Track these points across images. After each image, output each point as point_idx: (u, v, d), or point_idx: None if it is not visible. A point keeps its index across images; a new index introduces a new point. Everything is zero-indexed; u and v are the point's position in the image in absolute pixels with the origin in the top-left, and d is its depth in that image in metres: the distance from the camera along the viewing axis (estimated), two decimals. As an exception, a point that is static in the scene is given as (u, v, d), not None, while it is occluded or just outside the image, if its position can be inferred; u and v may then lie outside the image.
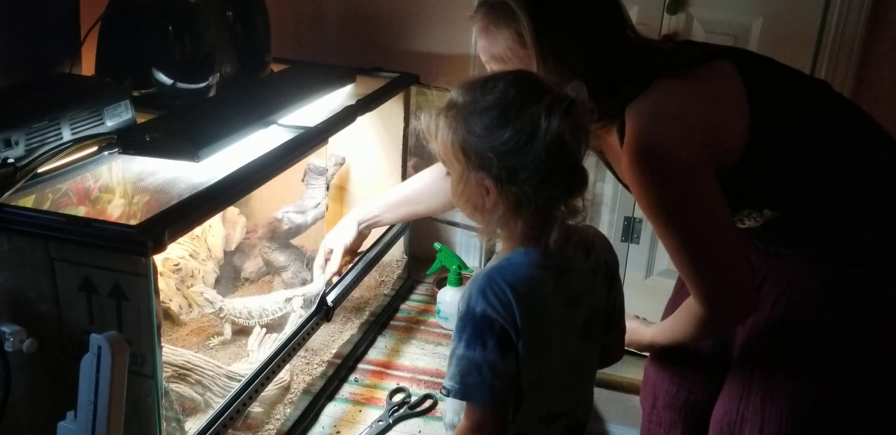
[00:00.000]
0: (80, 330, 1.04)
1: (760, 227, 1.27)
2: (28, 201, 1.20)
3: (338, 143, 1.89)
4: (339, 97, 1.67)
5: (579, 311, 1.12)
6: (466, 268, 1.89)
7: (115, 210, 1.29)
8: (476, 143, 1.01)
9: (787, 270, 1.27)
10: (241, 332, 1.59)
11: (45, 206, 1.18)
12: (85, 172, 1.20)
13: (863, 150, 1.26)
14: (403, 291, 2.02)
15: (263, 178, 1.18)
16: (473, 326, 1.04)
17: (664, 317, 1.60)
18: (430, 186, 1.69)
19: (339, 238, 1.72)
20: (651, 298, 2.09)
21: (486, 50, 1.23)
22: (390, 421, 1.53)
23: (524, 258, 1.07)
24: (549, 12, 1.17)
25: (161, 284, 1.62)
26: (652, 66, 1.20)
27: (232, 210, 1.87)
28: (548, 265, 1.07)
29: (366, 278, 1.88)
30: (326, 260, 1.69)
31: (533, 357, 1.07)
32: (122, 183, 1.29)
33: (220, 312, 1.56)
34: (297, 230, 1.71)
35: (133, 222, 1.00)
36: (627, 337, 1.46)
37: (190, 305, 1.67)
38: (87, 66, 1.52)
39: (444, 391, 1.07)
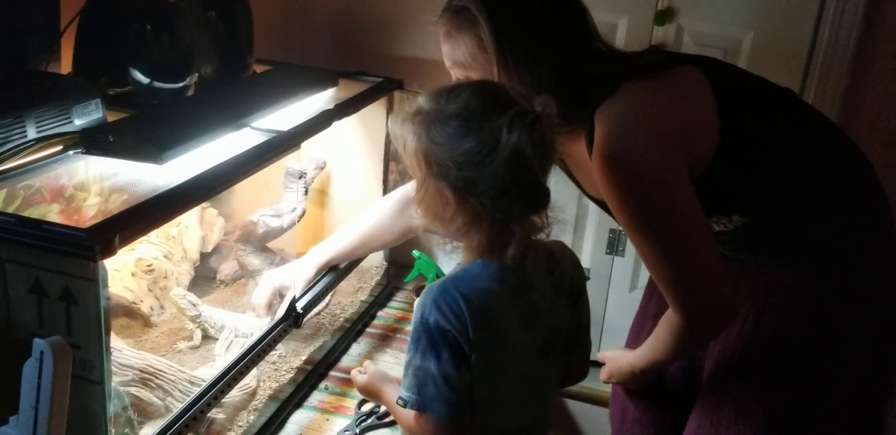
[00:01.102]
0: (30, 333, 1.01)
1: (730, 233, 1.25)
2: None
3: (319, 146, 1.87)
4: (321, 101, 1.65)
5: (538, 328, 1.10)
6: (444, 275, 1.86)
7: (71, 212, 1.26)
8: (437, 152, 1.00)
9: (758, 280, 1.25)
10: (210, 337, 1.57)
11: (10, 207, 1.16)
12: (47, 172, 1.18)
13: (830, 156, 1.26)
14: (382, 298, 2.00)
15: (226, 183, 1.16)
16: (428, 336, 1.02)
17: (630, 334, 1.59)
18: (385, 222, 1.66)
19: (295, 280, 1.59)
20: (635, 312, 2.07)
21: (449, 55, 1.22)
22: (357, 431, 1.51)
23: (481, 270, 1.05)
24: (508, 16, 1.16)
25: (133, 284, 1.61)
26: (618, 69, 1.19)
27: (210, 211, 1.85)
28: (505, 279, 1.05)
29: (343, 284, 1.86)
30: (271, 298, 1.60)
31: (486, 372, 1.05)
32: (80, 184, 1.27)
33: (198, 318, 1.54)
34: (273, 234, 1.69)
35: (86, 225, 0.98)
36: (608, 368, 1.44)
37: (162, 307, 1.65)
38: (67, 64, 1.50)
39: (400, 402, 1.05)
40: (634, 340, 1.57)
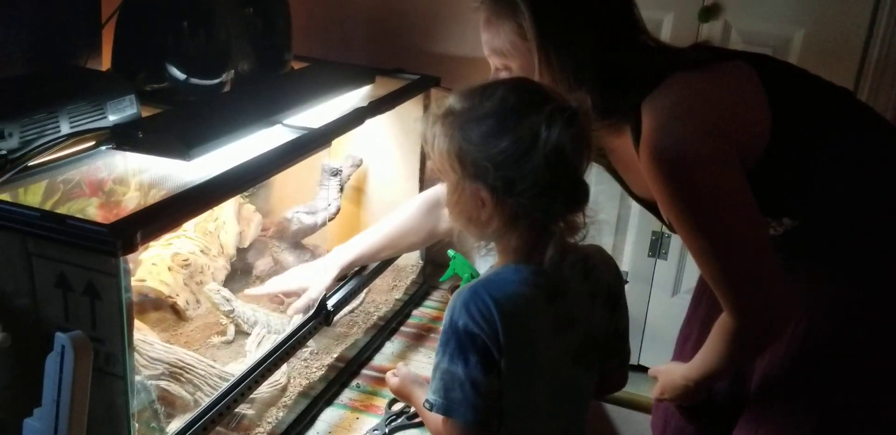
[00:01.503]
0: (56, 326, 1.02)
1: (779, 238, 1.20)
2: (25, 193, 1.20)
3: (356, 144, 1.87)
4: (356, 98, 1.64)
5: (572, 335, 1.07)
6: (479, 276, 1.85)
7: (98, 207, 1.28)
8: (472, 152, 0.97)
9: (808, 288, 1.20)
10: (243, 332, 1.58)
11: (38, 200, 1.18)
12: (77, 167, 1.19)
13: (886, 158, 1.20)
14: (417, 296, 1.99)
15: (251, 181, 1.16)
16: (456, 340, 1.00)
17: (677, 343, 1.55)
18: (411, 225, 1.65)
19: (318, 281, 1.58)
20: (678, 317, 2.02)
21: (488, 43, 1.20)
22: (386, 431, 1.50)
23: (514, 274, 1.03)
24: (551, 3, 1.13)
25: (169, 278, 1.62)
26: (663, 61, 1.16)
27: (248, 207, 1.86)
28: (538, 284, 1.02)
29: (378, 281, 1.86)
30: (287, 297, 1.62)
31: (516, 378, 1.02)
32: (110, 179, 1.28)
33: (232, 313, 1.55)
34: (307, 231, 1.69)
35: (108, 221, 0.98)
36: (660, 383, 1.40)
37: (198, 301, 1.67)
38: (108, 60, 1.52)
39: (426, 405, 1.04)
40: (681, 349, 1.53)
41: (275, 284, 1.63)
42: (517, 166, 0.95)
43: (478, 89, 1.00)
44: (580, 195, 0.99)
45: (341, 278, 1.66)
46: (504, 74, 1.20)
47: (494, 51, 1.20)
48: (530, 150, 0.94)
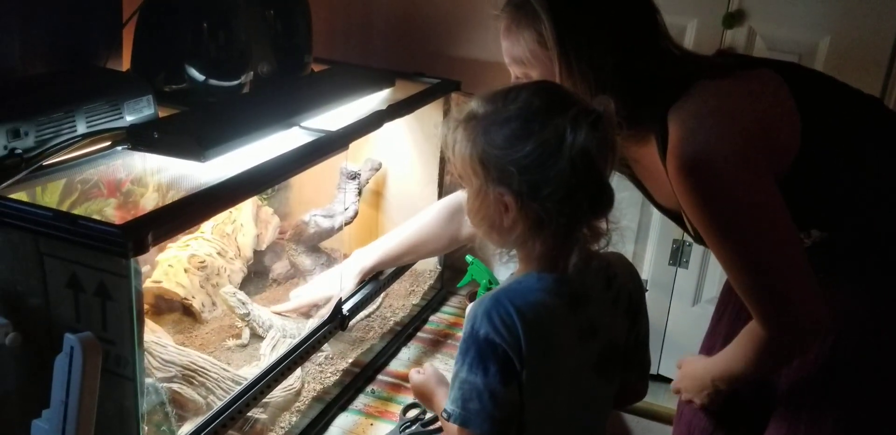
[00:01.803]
0: (67, 327, 1.02)
1: (808, 250, 1.17)
2: (43, 193, 1.20)
3: (376, 148, 1.86)
4: (376, 101, 1.63)
5: (593, 344, 1.05)
6: (497, 283, 1.83)
7: (113, 208, 1.27)
8: (496, 156, 0.95)
9: (837, 301, 1.17)
10: (258, 335, 1.57)
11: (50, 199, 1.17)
12: (92, 167, 1.19)
13: None
14: (435, 302, 1.97)
15: (265, 184, 1.15)
16: (477, 349, 0.98)
17: (701, 352, 1.52)
18: (432, 230, 1.63)
19: (338, 289, 1.58)
20: (698, 326, 1.98)
21: (508, 51, 1.18)
22: (400, 437, 1.49)
23: (536, 283, 1.00)
24: (571, 12, 1.11)
25: (185, 280, 1.62)
26: (689, 69, 1.14)
27: (266, 209, 1.86)
28: (561, 292, 1.00)
29: (395, 286, 1.84)
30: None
31: (538, 389, 1.00)
32: (126, 180, 1.28)
33: (247, 316, 1.54)
34: (324, 234, 1.68)
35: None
36: (681, 372, 1.37)
37: (213, 304, 1.66)
38: (129, 60, 1.52)
39: (444, 415, 1.02)
40: None
41: (301, 298, 1.62)
42: (542, 170, 0.93)
43: (501, 93, 0.98)
44: (605, 199, 0.97)
45: (362, 283, 1.65)
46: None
47: (514, 59, 1.18)
48: (555, 154, 0.92)
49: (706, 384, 1.30)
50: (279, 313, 1.59)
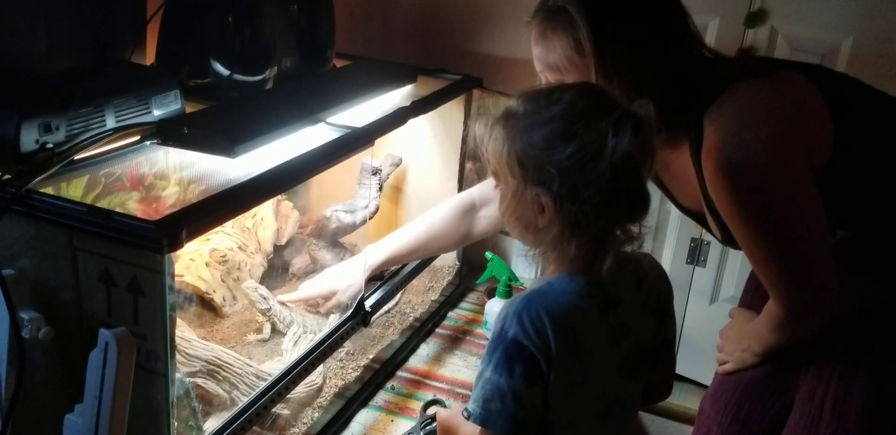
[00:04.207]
0: (99, 322, 1.02)
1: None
2: (68, 187, 1.20)
3: (396, 143, 1.86)
4: (398, 97, 1.63)
5: (623, 345, 1.05)
6: (517, 280, 1.83)
7: (140, 202, 1.27)
8: (536, 156, 0.94)
9: (858, 303, 1.18)
10: (279, 331, 1.57)
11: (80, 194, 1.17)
12: (123, 161, 1.19)
13: None
14: (453, 298, 1.97)
15: (296, 180, 1.14)
16: (504, 349, 0.98)
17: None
18: (444, 227, 1.62)
19: (348, 283, 1.58)
20: (715, 325, 1.98)
21: (542, 58, 1.17)
22: (421, 434, 1.49)
23: (568, 285, 1.00)
24: (609, 18, 1.11)
25: (206, 274, 1.62)
26: (722, 71, 1.14)
27: (286, 204, 1.86)
28: (593, 295, 1.00)
29: (414, 282, 1.84)
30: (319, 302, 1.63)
31: (567, 391, 1.00)
32: (155, 174, 1.28)
33: (269, 311, 1.54)
34: (345, 229, 1.68)
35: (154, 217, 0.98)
36: (730, 324, 1.38)
37: (234, 298, 1.66)
38: (152, 54, 1.52)
39: (465, 413, 1.02)
40: None
41: (306, 289, 1.62)
42: (583, 173, 0.92)
43: (543, 92, 0.98)
44: (643, 203, 0.97)
45: (373, 279, 1.64)
46: None
47: (549, 66, 1.17)
48: (597, 157, 0.92)
49: (743, 341, 1.31)
50: (284, 303, 1.59)
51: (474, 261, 2.02)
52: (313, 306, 1.63)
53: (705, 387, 2.12)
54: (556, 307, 0.97)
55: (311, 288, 1.62)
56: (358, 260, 1.62)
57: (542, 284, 1.01)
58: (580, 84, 1.03)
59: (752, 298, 1.42)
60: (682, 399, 2.08)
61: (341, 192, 1.81)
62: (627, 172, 0.92)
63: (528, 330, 0.96)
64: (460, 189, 1.85)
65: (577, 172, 0.92)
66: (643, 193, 0.96)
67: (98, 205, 1.04)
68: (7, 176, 1.05)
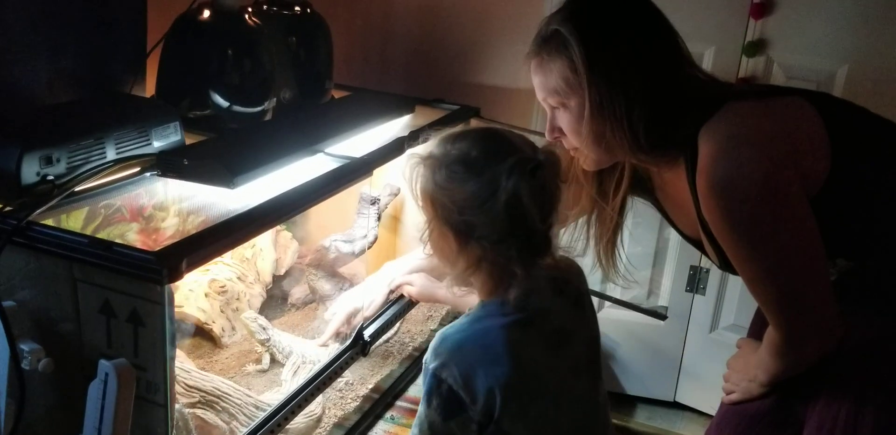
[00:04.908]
0: (99, 353, 1.02)
1: (834, 282, 1.17)
2: (68, 218, 1.20)
3: (395, 173, 1.87)
4: (396, 127, 1.65)
5: (570, 349, 1.09)
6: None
7: (139, 234, 1.28)
8: (441, 195, 1.02)
9: (864, 335, 1.17)
10: (278, 361, 1.57)
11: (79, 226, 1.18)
12: (123, 193, 1.20)
13: None
14: (452, 327, 1.97)
15: (295, 210, 1.15)
16: (428, 381, 1.03)
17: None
18: None
19: (368, 302, 1.60)
20: (715, 353, 1.98)
21: (542, 85, 1.19)
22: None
23: (492, 310, 1.05)
24: (600, 35, 1.13)
25: (205, 304, 1.62)
26: (717, 91, 1.16)
27: (285, 234, 1.86)
28: (514, 316, 1.04)
29: (413, 311, 1.84)
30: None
31: (522, 409, 1.02)
32: (155, 205, 1.29)
33: (268, 341, 1.54)
34: (344, 259, 1.68)
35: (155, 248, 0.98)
36: (737, 354, 1.37)
37: (233, 328, 1.66)
38: (152, 87, 1.54)
39: None
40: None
41: (335, 317, 1.60)
42: (478, 212, 0.99)
43: (451, 135, 1.05)
44: (537, 244, 1.03)
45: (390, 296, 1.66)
46: (561, 114, 1.19)
47: (549, 91, 1.19)
48: (490, 198, 0.98)
49: (750, 371, 1.30)
50: (325, 344, 1.59)
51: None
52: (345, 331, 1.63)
53: (705, 415, 2.12)
54: (481, 358, 1.00)
55: (338, 314, 1.62)
56: (377, 277, 1.63)
57: (465, 323, 1.05)
58: (485, 128, 1.10)
59: (759, 328, 1.41)
60: (682, 428, 2.07)
61: (340, 222, 1.81)
62: (519, 214, 0.98)
63: (449, 365, 1.00)
64: (458, 217, 1.85)
65: (474, 211, 0.99)
66: (536, 234, 1.02)
67: (98, 236, 1.04)
68: (8, 208, 1.06)
